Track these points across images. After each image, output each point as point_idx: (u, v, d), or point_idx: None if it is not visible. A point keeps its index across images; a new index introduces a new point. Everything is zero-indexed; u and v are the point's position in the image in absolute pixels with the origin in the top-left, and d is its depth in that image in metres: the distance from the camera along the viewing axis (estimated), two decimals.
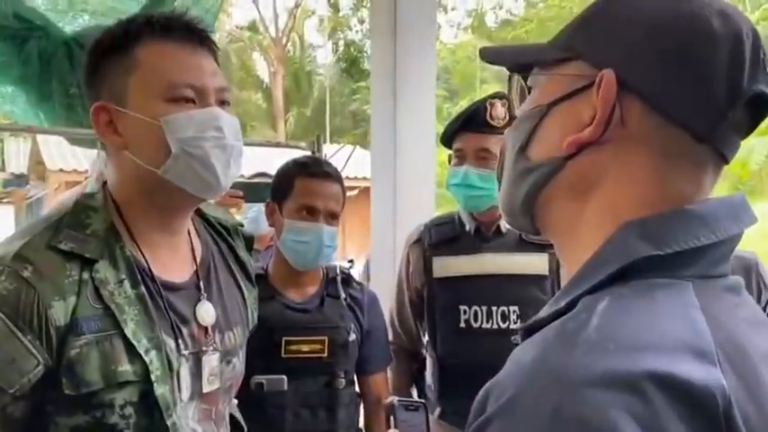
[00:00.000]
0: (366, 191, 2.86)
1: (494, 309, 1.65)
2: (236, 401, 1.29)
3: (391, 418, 1.02)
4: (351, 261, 1.89)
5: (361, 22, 21.94)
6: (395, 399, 1.04)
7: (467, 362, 1.62)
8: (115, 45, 0.98)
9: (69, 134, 2.01)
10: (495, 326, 1.66)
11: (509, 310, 1.66)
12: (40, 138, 8.95)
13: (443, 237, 1.75)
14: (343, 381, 1.58)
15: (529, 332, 0.52)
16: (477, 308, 1.67)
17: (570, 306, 0.52)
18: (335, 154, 3.12)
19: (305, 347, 1.54)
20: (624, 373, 0.44)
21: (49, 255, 0.92)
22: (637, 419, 0.42)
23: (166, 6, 2.02)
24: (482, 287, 1.67)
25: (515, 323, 1.64)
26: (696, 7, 0.55)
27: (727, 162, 0.57)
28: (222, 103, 1.01)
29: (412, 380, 1.92)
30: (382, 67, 2.64)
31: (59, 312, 0.89)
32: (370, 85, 2.91)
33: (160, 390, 0.94)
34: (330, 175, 1.58)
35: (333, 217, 1.58)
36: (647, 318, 0.48)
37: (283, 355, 1.53)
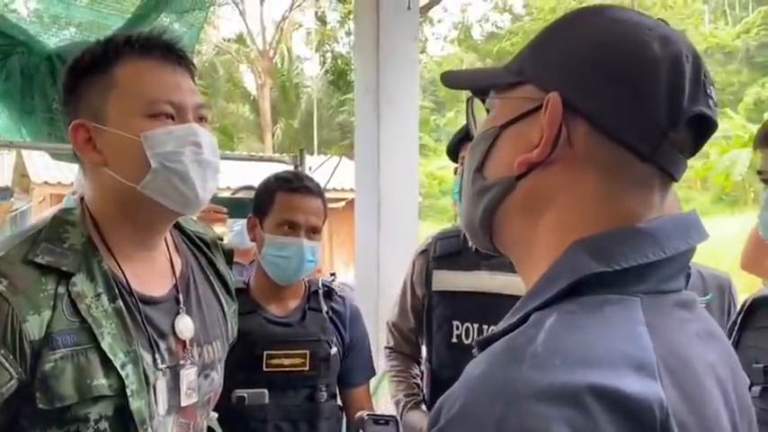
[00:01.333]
0: (354, 202, 2.87)
1: (485, 327, 1.67)
2: (215, 415, 1.29)
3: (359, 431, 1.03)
4: (333, 274, 1.90)
5: (349, 34, 22.04)
6: (364, 413, 1.05)
7: (457, 375, 1.63)
8: (94, 64, 1.00)
9: (51, 149, 2.01)
10: None
11: None
12: (24, 151, 8.89)
13: (447, 250, 1.76)
14: (325, 394, 1.59)
15: (484, 345, 0.53)
16: (469, 324, 1.68)
17: (522, 321, 0.54)
18: (321, 166, 3.14)
19: (286, 361, 1.55)
20: (567, 387, 0.45)
21: (25, 269, 0.92)
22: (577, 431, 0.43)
23: (150, 21, 2.03)
24: (476, 304, 1.68)
25: None
26: (638, 32, 0.57)
27: (674, 180, 0.60)
28: (201, 119, 1.03)
29: (414, 383, 1.90)
30: (366, 81, 2.68)
31: (34, 326, 0.89)
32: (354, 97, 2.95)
33: (136, 404, 0.94)
34: (310, 189, 1.59)
35: (314, 231, 1.59)
36: (592, 333, 0.50)
37: (265, 369, 1.53)
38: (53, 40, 2.05)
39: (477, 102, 0.68)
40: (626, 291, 0.54)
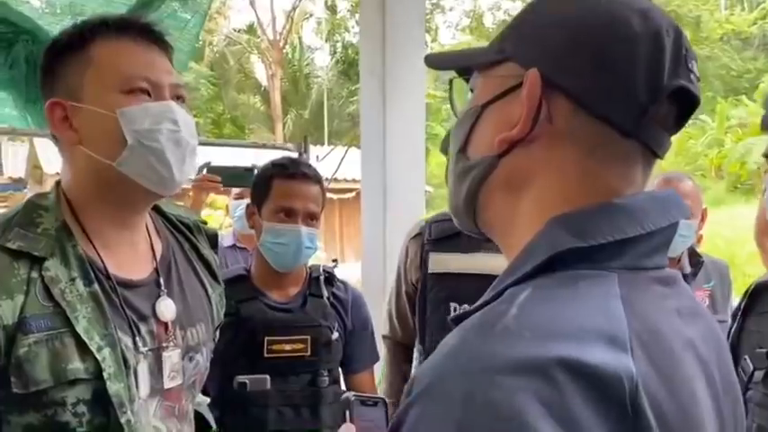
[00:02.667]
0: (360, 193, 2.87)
1: None
2: (206, 399, 1.29)
3: (347, 412, 1.03)
4: (335, 261, 1.90)
5: (359, 24, 21.93)
6: (350, 394, 1.05)
7: None
8: (71, 44, 1.00)
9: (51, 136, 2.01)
10: None
11: None
12: (37, 141, 8.95)
13: (443, 233, 1.75)
14: (327, 379, 1.59)
15: (459, 321, 0.53)
16: (467, 305, 1.68)
17: (497, 297, 0.54)
18: (327, 155, 3.13)
19: (287, 347, 1.55)
20: (535, 360, 0.45)
21: None
22: (544, 403, 0.43)
23: (154, 7, 2.03)
24: (474, 286, 1.65)
25: None
26: (617, 7, 0.57)
27: (658, 156, 0.59)
28: (178, 98, 1.02)
29: (406, 376, 1.93)
30: (372, 69, 2.66)
31: (7, 311, 0.89)
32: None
33: (114, 387, 0.93)
34: (307, 175, 1.59)
35: (312, 218, 1.58)
36: (564, 307, 0.50)
37: (266, 355, 1.54)
38: (52, 29, 2.06)
39: (461, 83, 0.68)
40: (602, 266, 0.54)
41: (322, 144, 14.01)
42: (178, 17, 2.14)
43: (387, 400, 1.10)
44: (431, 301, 1.75)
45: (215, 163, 2.31)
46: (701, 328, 0.59)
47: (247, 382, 1.53)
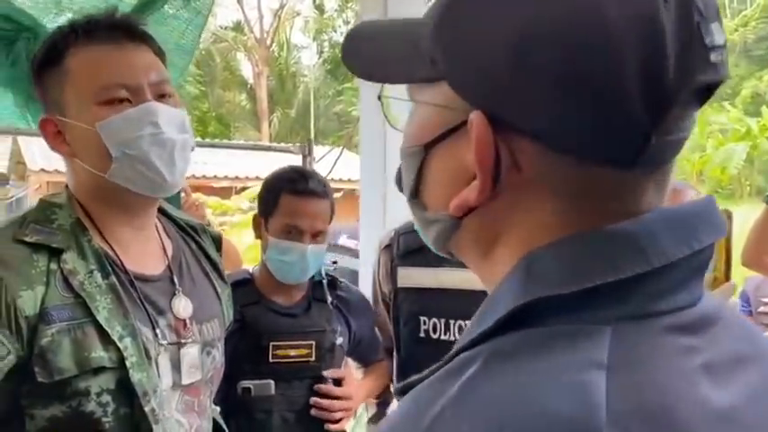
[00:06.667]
0: (351, 193, 2.86)
1: (451, 322, 1.66)
2: (218, 408, 1.29)
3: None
4: (335, 262, 1.90)
5: (347, 23, 21.92)
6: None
7: (425, 368, 1.64)
8: (49, 58, 0.99)
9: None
10: (453, 338, 1.67)
11: (466, 324, 1.66)
12: (20, 137, 8.84)
13: (409, 247, 1.72)
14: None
15: (402, 393, 0.43)
16: (437, 320, 1.68)
17: (448, 361, 0.42)
18: (324, 157, 3.12)
19: (292, 352, 1.55)
20: None
21: (15, 246, 0.92)
22: None
23: (156, 8, 2.01)
24: (442, 300, 1.67)
25: None
26: None
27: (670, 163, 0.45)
28: (162, 96, 1.00)
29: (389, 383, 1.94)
30: None
31: (28, 302, 0.90)
32: (358, 86, 2.92)
33: (137, 376, 0.94)
34: (316, 192, 1.54)
35: (319, 235, 1.56)
36: (520, 387, 0.37)
37: (270, 360, 1.53)
38: (50, 26, 2.03)
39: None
40: (592, 317, 0.39)
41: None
42: (180, 17, 2.11)
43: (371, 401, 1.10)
44: (402, 314, 1.74)
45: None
46: (752, 380, 0.42)
47: (252, 387, 1.52)
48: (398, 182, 0.53)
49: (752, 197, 14.97)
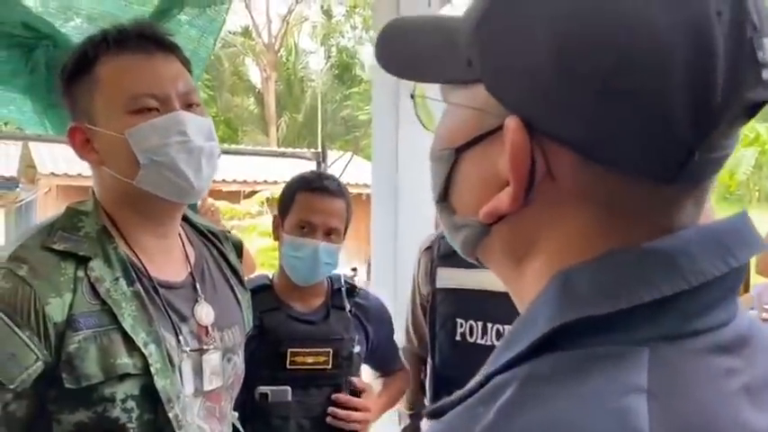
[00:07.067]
0: (358, 197, 2.86)
1: (489, 325, 1.67)
2: (236, 414, 1.29)
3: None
4: (354, 269, 1.90)
5: (354, 28, 22.00)
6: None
7: (461, 373, 1.63)
8: (79, 66, 1.01)
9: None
10: (490, 342, 1.67)
11: (504, 329, 1.66)
12: (31, 142, 8.90)
13: (451, 248, 1.75)
14: (347, 393, 1.59)
15: (434, 416, 0.42)
16: (473, 322, 1.68)
17: (482, 385, 0.41)
18: (336, 162, 3.14)
19: (309, 359, 1.55)
20: None
21: (44, 254, 0.94)
22: None
23: (172, 15, 2.03)
24: (480, 303, 1.68)
25: None
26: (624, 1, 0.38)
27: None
28: (189, 105, 1.02)
29: (421, 386, 1.93)
30: (384, 76, 2.66)
31: (56, 309, 0.91)
32: (364, 91, 2.93)
33: (161, 382, 0.95)
34: (330, 190, 1.56)
35: (332, 233, 1.56)
36: (558, 414, 0.36)
37: (288, 367, 1.53)
38: (61, 29, 2.04)
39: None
40: (628, 338, 0.38)
41: (316, 148, 13.98)
42: (195, 25, 2.13)
43: (404, 411, 1.10)
44: (439, 316, 1.76)
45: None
46: None
47: (269, 393, 1.52)
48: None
49: (761, 203, 14.91)
